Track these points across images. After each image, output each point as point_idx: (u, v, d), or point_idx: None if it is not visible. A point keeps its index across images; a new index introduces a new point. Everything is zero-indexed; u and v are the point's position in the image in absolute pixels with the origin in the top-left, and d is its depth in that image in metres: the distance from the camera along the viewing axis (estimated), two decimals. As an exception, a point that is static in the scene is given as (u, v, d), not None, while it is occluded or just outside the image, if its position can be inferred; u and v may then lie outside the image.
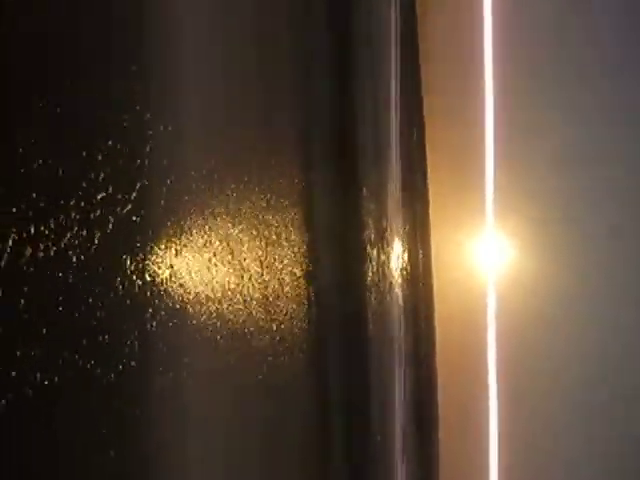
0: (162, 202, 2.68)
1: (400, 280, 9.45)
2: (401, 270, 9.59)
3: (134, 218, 2.40)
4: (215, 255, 3.13)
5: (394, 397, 8.48)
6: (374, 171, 7.43)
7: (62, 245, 1.95)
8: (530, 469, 12.02)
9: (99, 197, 2.17)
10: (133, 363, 2.40)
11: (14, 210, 1.78)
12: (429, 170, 11.82)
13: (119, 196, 2.30)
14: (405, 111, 10.10)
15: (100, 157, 2.19)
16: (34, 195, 1.86)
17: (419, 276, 11.26)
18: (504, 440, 12.27)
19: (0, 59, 1.76)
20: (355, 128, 6.44)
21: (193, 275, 2.87)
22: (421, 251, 11.48)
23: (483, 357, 12.29)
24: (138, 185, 2.47)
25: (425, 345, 11.63)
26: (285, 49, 4.53)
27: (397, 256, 9.17)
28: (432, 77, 11.74)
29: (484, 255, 12.17)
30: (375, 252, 7.11)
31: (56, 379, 1.93)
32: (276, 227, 4.03)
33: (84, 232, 2.06)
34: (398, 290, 9.15)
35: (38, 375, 1.87)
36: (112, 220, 2.25)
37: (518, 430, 12.15)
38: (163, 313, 2.60)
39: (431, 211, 11.94)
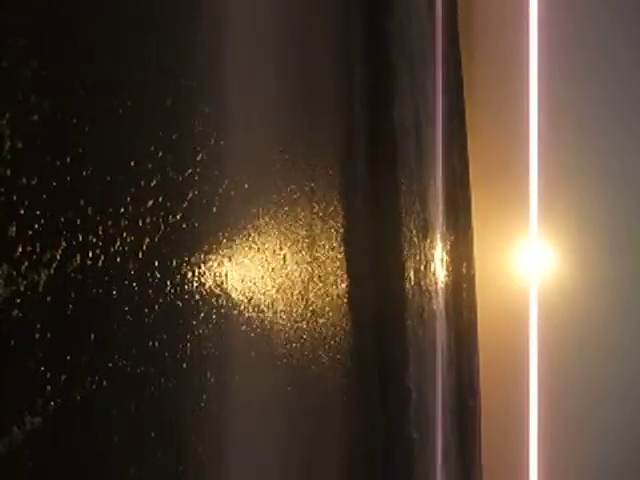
0: (213, 210, 2.72)
1: (442, 287, 9.42)
2: (444, 277, 9.56)
3: (184, 226, 2.44)
4: (262, 265, 3.17)
5: (435, 401, 8.47)
6: (417, 180, 7.43)
7: (111, 252, 1.99)
8: (571, 468, 11.91)
9: (149, 205, 2.20)
10: (183, 367, 2.44)
11: (62, 219, 1.81)
12: (472, 177, 11.78)
13: (169, 204, 2.34)
14: (448, 119, 10.08)
15: (150, 166, 2.23)
16: (82, 203, 1.90)
17: (462, 283, 11.21)
18: (544, 444, 12.17)
19: (57, 72, 1.80)
20: (398, 139, 6.45)
21: (240, 283, 2.91)
22: (464, 258, 11.44)
23: (525, 362, 12.20)
24: (189, 195, 2.51)
25: (467, 351, 11.58)
26: (328, 69, 4.58)
27: (439, 264, 9.15)
28: (474, 82, 11.70)
29: (527, 262, 12.09)
30: (417, 258, 7.10)
31: (105, 383, 1.97)
32: (320, 239, 4.06)
33: (132, 240, 2.10)
34: (440, 297, 9.13)
35: (88, 380, 1.91)
36: (162, 228, 2.29)
37: (559, 432, 12.05)
38: (211, 319, 2.64)
39: (474, 218, 11.89)
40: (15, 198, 1.63)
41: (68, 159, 1.83)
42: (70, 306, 1.85)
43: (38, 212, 1.72)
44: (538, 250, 11.93)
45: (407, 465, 6.27)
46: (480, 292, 12.26)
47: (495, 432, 12.41)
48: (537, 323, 12.12)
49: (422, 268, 7.42)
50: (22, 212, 1.66)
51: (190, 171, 2.56)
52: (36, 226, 1.71)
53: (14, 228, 1.62)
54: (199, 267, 2.55)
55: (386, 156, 6.00)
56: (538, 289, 12.08)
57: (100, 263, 1.95)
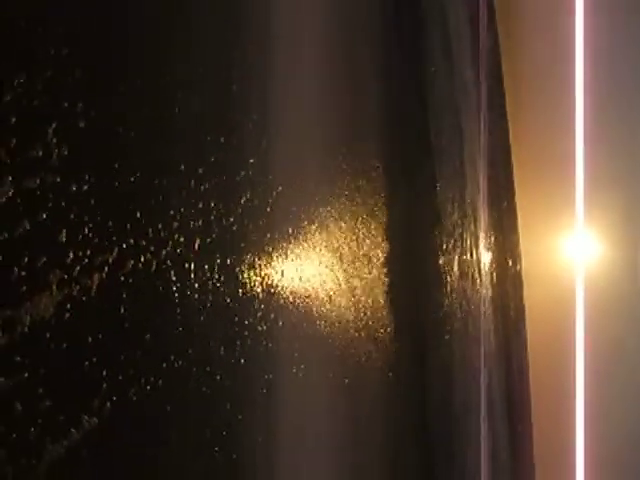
0: (266, 213, 2.76)
1: (488, 277, 9.38)
2: (489, 269, 9.52)
3: (236, 228, 2.47)
4: (312, 265, 3.20)
5: (479, 395, 8.44)
6: (458, 173, 7.41)
7: (162, 255, 2.02)
8: (617, 463, 11.82)
9: (200, 207, 2.23)
10: (240, 364, 2.47)
11: (114, 224, 1.85)
12: (516, 167, 11.69)
13: (221, 206, 2.37)
14: (489, 109, 10.01)
15: (201, 171, 2.26)
16: (132, 208, 1.93)
17: (508, 275, 11.15)
18: (591, 435, 12.09)
19: (101, 76, 1.83)
20: (439, 131, 6.45)
21: (291, 280, 2.94)
22: (510, 249, 11.38)
23: (571, 352, 12.12)
24: (243, 199, 2.55)
25: (515, 340, 11.52)
26: (373, 71, 4.61)
27: (484, 254, 9.11)
28: (518, 67, 11.59)
29: (573, 253, 11.98)
30: (459, 251, 7.09)
31: (160, 383, 2.00)
32: (364, 235, 4.09)
33: (183, 241, 2.12)
34: (485, 290, 9.09)
35: (143, 380, 1.94)
36: (215, 230, 2.32)
37: (605, 419, 11.97)
38: (265, 317, 2.67)
39: (519, 209, 11.81)
40: (64, 204, 1.66)
41: (117, 164, 1.86)
42: (125, 308, 1.88)
43: (88, 217, 1.75)
44: (584, 239, 11.82)
45: (447, 445, 6.25)
46: (527, 282, 12.19)
47: (543, 418, 12.36)
48: (583, 312, 12.01)
49: (465, 257, 7.40)
50: (73, 217, 1.69)
51: (243, 174, 2.59)
52: (87, 231, 1.74)
53: (64, 234, 1.65)
54: (251, 268, 2.58)
55: (424, 148, 6.00)
56: (584, 278, 11.98)
57: (153, 266, 1.98)
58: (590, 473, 12.16)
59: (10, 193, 1.48)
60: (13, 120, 1.51)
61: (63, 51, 1.66)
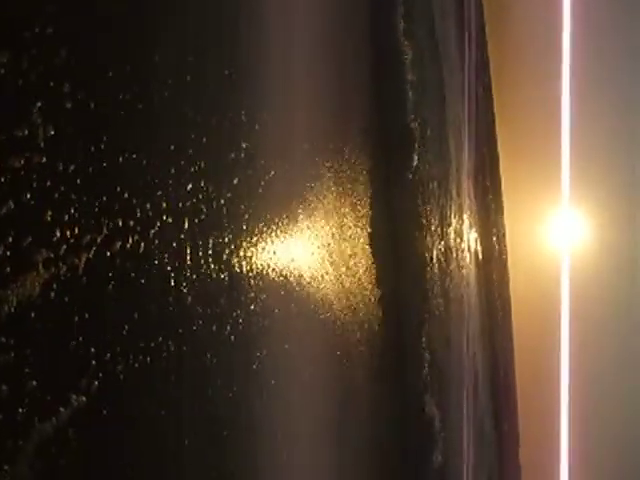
0: (256, 195, 2.78)
1: (472, 261, 9.41)
2: (474, 249, 9.54)
3: (225, 210, 2.48)
4: (299, 248, 3.22)
5: (462, 374, 8.49)
6: (439, 154, 7.42)
7: (150, 235, 2.02)
8: (602, 443, 11.91)
9: (188, 189, 2.23)
10: (230, 342, 2.49)
11: (101, 204, 1.84)
12: (501, 148, 11.70)
13: (211, 188, 2.37)
14: (475, 84, 10.00)
15: (191, 152, 2.26)
16: (119, 189, 1.93)
17: (493, 256, 11.19)
18: (575, 416, 12.18)
19: (87, 58, 1.82)
20: (422, 114, 6.47)
21: (279, 263, 2.95)
22: (495, 230, 11.40)
23: (556, 333, 12.19)
24: (235, 180, 2.56)
25: (500, 322, 11.58)
26: (363, 68, 4.65)
27: (468, 236, 9.13)
28: (504, 43, 11.55)
29: (559, 233, 12.02)
30: (443, 233, 7.11)
31: (148, 361, 2.01)
32: (348, 223, 4.14)
33: (170, 222, 2.12)
34: (469, 272, 9.12)
35: (131, 358, 1.95)
36: (205, 212, 2.32)
37: (590, 404, 12.04)
38: (252, 300, 2.68)
39: (504, 190, 11.83)
40: (50, 184, 1.65)
41: (104, 145, 1.86)
42: (111, 287, 1.88)
43: (76, 197, 1.75)
44: (570, 220, 11.86)
45: (429, 433, 6.28)
46: (512, 263, 12.23)
47: (527, 401, 12.42)
48: (569, 293, 12.07)
49: (448, 241, 7.42)
50: (58, 198, 1.69)
51: (233, 156, 2.60)
52: (73, 211, 1.74)
53: (50, 214, 1.65)
54: (239, 249, 2.59)
55: (405, 135, 6.01)
56: (570, 259, 12.03)
57: (141, 245, 1.98)
58: (575, 464, 12.26)
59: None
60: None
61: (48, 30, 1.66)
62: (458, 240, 8.18)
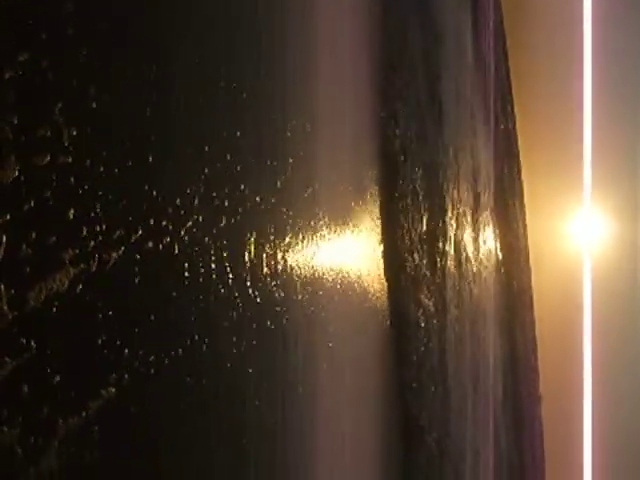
0: (301, 195, 2.81)
1: (494, 259, 9.39)
2: (494, 249, 9.52)
3: (259, 209, 2.49)
4: (317, 249, 3.23)
5: (486, 367, 8.47)
6: (460, 151, 7.41)
7: (182, 234, 2.03)
8: (625, 441, 11.85)
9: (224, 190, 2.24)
10: (256, 341, 2.50)
11: (136, 204, 1.85)
12: (523, 148, 11.67)
13: (247, 190, 2.39)
14: (496, 86, 9.98)
15: (229, 155, 2.27)
16: (154, 189, 1.93)
17: (515, 254, 11.15)
18: (599, 414, 12.13)
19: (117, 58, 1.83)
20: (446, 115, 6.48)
21: (300, 261, 2.97)
22: (517, 229, 11.37)
23: (579, 331, 12.14)
24: (278, 182, 2.60)
25: (522, 320, 11.53)
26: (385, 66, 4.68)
27: (489, 235, 9.12)
28: (524, 46, 11.52)
29: (580, 232, 11.98)
30: (460, 233, 7.11)
31: (180, 355, 2.02)
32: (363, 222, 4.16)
33: (203, 221, 2.14)
34: (489, 273, 9.10)
35: (161, 354, 1.96)
36: (240, 211, 2.34)
37: (612, 400, 12.00)
38: (278, 300, 2.69)
39: (526, 189, 11.80)
40: (75, 183, 1.66)
41: (136, 145, 1.86)
42: (144, 284, 1.90)
43: (108, 197, 1.76)
44: (591, 219, 11.81)
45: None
46: (533, 263, 12.20)
47: (549, 403, 12.38)
48: (591, 292, 12.02)
49: (465, 239, 7.41)
50: (86, 197, 1.70)
51: (268, 161, 2.62)
52: (104, 210, 1.75)
53: (73, 212, 1.66)
54: (268, 249, 2.61)
55: (431, 132, 6.01)
56: (591, 258, 11.98)
57: (171, 244, 1.99)
58: (598, 460, 12.21)
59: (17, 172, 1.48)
60: (16, 99, 1.51)
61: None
62: (480, 244, 8.18)
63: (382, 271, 4.55)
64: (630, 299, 11.51)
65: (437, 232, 6.11)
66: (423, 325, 5.62)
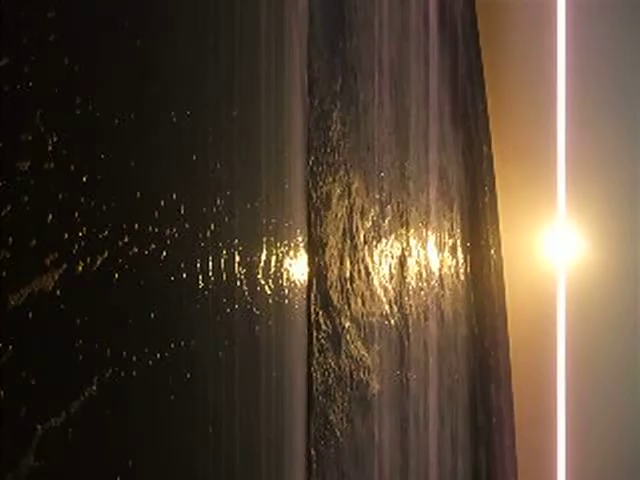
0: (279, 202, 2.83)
1: (466, 274, 9.43)
2: (467, 263, 9.56)
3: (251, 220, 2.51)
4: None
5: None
6: (430, 162, 7.47)
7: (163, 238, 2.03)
8: (599, 454, 11.89)
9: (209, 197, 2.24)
10: (248, 345, 2.50)
11: (119, 209, 1.85)
12: (497, 159, 11.72)
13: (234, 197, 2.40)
14: (470, 98, 10.04)
15: (218, 163, 2.28)
16: (138, 194, 1.94)
17: (489, 268, 11.20)
18: (572, 429, 12.17)
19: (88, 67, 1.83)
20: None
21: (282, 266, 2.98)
22: (491, 243, 11.42)
23: (553, 347, 12.19)
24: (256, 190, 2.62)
25: (493, 336, 11.57)
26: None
27: (460, 248, 9.14)
28: (499, 57, 11.58)
29: (554, 246, 12.05)
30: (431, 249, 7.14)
31: (165, 356, 2.02)
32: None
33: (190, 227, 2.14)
34: (462, 288, 9.12)
35: (145, 354, 1.96)
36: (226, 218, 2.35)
37: (586, 415, 12.04)
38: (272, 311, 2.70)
39: (500, 202, 11.85)
40: (64, 190, 1.66)
41: (121, 149, 1.87)
42: (125, 287, 1.90)
43: (88, 202, 1.76)
44: (566, 234, 11.88)
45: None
46: (507, 276, 12.24)
47: (523, 416, 12.42)
48: (565, 307, 12.08)
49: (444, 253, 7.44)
50: (63, 201, 1.69)
51: (254, 168, 2.64)
52: (85, 216, 1.75)
53: (51, 217, 1.65)
54: (252, 256, 2.62)
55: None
56: (566, 273, 12.04)
57: (154, 249, 1.99)
58: (571, 465, 12.24)
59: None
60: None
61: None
62: (450, 255, 8.19)
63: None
64: (604, 314, 11.57)
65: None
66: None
